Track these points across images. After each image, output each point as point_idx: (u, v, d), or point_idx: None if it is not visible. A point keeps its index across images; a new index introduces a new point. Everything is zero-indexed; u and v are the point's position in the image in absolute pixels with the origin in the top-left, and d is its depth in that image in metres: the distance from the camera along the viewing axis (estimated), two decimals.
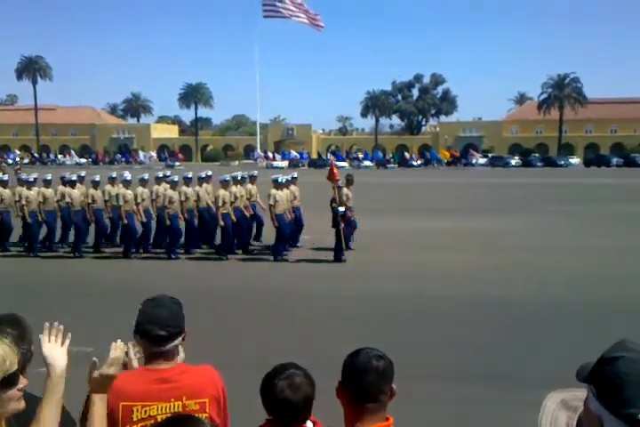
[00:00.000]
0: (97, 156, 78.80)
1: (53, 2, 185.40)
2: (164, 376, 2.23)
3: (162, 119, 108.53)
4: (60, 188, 13.62)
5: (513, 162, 67.62)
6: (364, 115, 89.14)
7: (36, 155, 79.38)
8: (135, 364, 2.37)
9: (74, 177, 13.69)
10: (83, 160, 76.50)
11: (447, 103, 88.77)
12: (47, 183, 13.80)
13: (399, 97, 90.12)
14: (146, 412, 2.19)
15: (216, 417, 2.30)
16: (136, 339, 2.26)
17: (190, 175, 13.52)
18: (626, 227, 17.17)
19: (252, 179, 14.11)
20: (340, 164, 66.13)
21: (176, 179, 13.32)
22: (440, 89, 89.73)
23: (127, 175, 13.52)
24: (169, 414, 2.16)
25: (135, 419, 2.18)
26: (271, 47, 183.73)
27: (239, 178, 13.52)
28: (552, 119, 75.52)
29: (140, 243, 13.47)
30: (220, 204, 12.50)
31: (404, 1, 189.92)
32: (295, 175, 14.36)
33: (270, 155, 73.96)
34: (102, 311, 8.31)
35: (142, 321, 2.23)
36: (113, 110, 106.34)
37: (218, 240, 13.42)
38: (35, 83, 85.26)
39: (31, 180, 13.64)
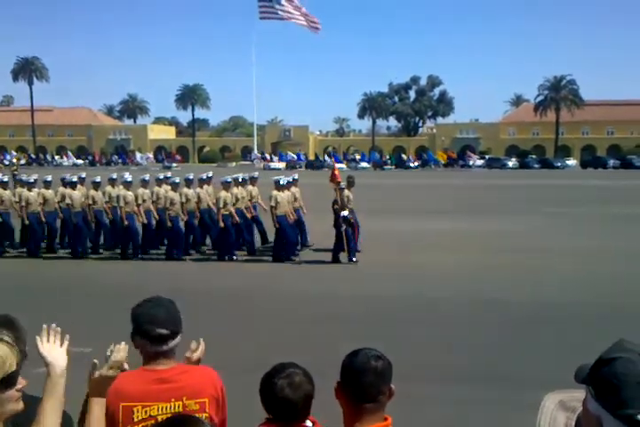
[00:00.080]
0: (94, 157, 78.70)
1: (49, 3, 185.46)
2: (164, 376, 2.22)
3: (159, 120, 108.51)
4: (61, 189, 13.57)
5: (510, 164, 67.77)
6: (360, 116, 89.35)
7: (32, 156, 79.21)
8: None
9: (74, 178, 13.63)
10: (80, 161, 76.38)
11: (444, 105, 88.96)
12: (47, 184, 13.76)
13: (396, 99, 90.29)
14: (146, 412, 2.18)
15: (215, 417, 2.31)
16: (136, 340, 2.25)
17: (191, 177, 13.50)
18: (623, 228, 17.21)
19: (253, 180, 14.08)
20: (337, 165, 66.16)
21: (177, 180, 13.28)
22: (437, 91, 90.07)
23: (128, 176, 13.48)
24: (169, 415, 2.16)
25: (136, 419, 2.17)
26: (268, 48, 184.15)
27: (240, 179, 13.51)
28: (549, 121, 75.75)
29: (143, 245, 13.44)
30: (222, 205, 12.48)
31: (400, 3, 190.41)
32: (296, 177, 14.35)
33: (267, 156, 73.93)
34: (102, 312, 8.30)
35: (141, 322, 2.23)
36: (110, 111, 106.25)
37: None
38: (31, 84, 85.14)
39: (31, 181, 13.60)
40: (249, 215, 13.36)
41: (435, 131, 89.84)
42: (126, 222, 12.81)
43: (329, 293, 9.81)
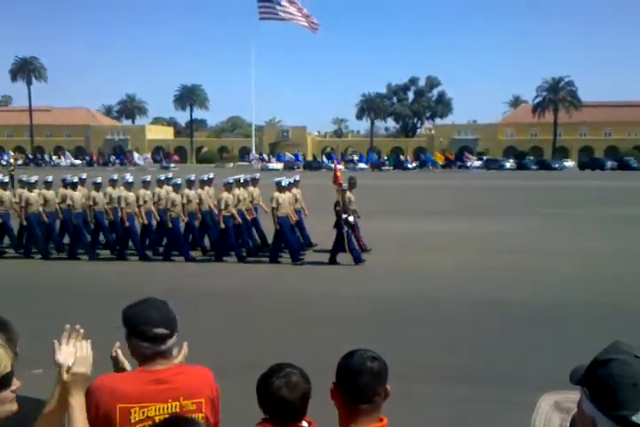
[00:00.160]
0: (91, 157, 78.67)
1: (47, 3, 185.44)
2: (161, 377, 2.21)
3: (157, 121, 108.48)
4: (62, 190, 13.52)
5: (508, 165, 67.93)
6: (359, 117, 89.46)
7: (30, 156, 79.14)
8: (127, 366, 2.36)
9: (75, 179, 13.55)
10: (77, 161, 76.32)
11: (442, 106, 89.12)
12: (48, 185, 13.71)
13: (394, 99, 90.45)
14: (144, 413, 2.17)
15: (211, 417, 2.32)
16: (132, 342, 2.24)
17: (193, 178, 13.46)
18: (622, 229, 17.26)
19: (255, 181, 14.05)
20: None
21: (179, 182, 13.23)
22: (435, 92, 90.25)
23: (129, 177, 13.41)
24: (167, 415, 2.15)
25: (133, 420, 2.16)
26: (267, 49, 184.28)
27: (242, 180, 13.49)
28: (547, 122, 75.92)
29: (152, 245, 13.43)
30: (223, 206, 12.46)
31: (400, 3, 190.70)
32: (297, 178, 14.31)
33: (265, 157, 73.97)
34: (101, 312, 8.27)
35: (137, 323, 2.23)
36: (108, 112, 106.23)
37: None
38: (29, 84, 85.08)
39: (32, 181, 13.55)
40: (249, 217, 13.34)
41: (433, 132, 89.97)
42: (127, 224, 12.78)
43: (329, 293, 9.82)
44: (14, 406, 1.85)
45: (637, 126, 79.05)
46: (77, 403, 2.01)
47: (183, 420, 1.89)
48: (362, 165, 69.04)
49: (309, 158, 76.51)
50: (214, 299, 9.39)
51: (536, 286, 10.11)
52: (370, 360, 2.00)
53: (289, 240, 12.53)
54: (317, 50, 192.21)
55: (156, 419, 2.13)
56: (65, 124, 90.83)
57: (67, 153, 79.95)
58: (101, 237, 14.12)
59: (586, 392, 1.27)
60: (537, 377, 5.33)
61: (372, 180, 40.75)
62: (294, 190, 13.59)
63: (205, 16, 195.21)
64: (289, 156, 73.57)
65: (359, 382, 1.97)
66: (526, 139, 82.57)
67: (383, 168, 68.71)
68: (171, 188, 13.27)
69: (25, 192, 13.23)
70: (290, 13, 50.15)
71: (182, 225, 13.14)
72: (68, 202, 13.06)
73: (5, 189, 13.71)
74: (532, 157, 72.54)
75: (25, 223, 13.22)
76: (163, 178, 14.03)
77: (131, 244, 13.25)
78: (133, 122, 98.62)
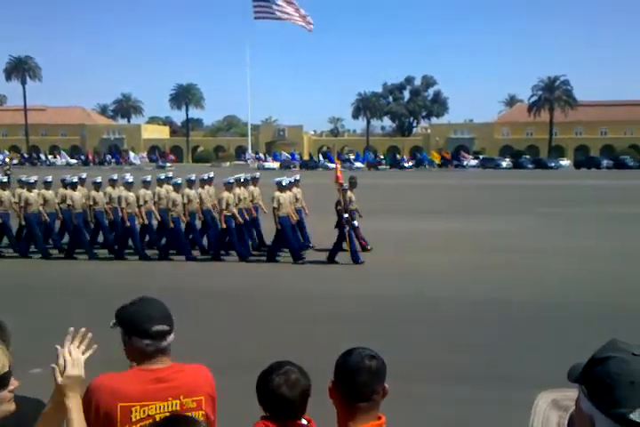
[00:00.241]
0: (87, 156, 78.44)
1: (43, 2, 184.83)
2: (161, 376, 2.23)
3: (152, 120, 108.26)
4: (61, 190, 13.47)
5: (504, 164, 68.03)
6: (355, 116, 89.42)
7: (25, 155, 78.91)
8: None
9: (75, 179, 13.51)
10: (73, 161, 76.10)
11: (438, 105, 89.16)
12: (48, 185, 13.66)
13: (390, 99, 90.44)
14: (144, 412, 2.18)
15: (211, 414, 2.34)
16: (132, 341, 2.23)
17: (193, 177, 13.42)
18: (618, 228, 17.31)
19: (255, 181, 14.04)
20: (332, 165, 66.30)
21: (179, 181, 13.21)
22: (431, 91, 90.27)
23: (129, 177, 13.35)
24: (167, 413, 2.16)
25: (134, 419, 2.16)
26: (263, 48, 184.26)
27: (242, 180, 13.48)
28: (542, 121, 76.06)
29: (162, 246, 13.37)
30: (224, 206, 12.44)
31: (395, 3, 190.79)
32: (298, 177, 14.30)
33: (262, 156, 73.92)
34: (101, 312, 8.26)
35: (139, 321, 2.23)
36: (103, 111, 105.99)
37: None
38: (24, 83, 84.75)
39: (32, 181, 13.50)
40: (247, 217, 13.32)
41: (429, 131, 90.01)
42: (128, 224, 12.75)
43: (329, 292, 9.84)
44: (12, 406, 1.85)
45: (633, 125, 79.27)
46: (74, 405, 2.01)
47: (182, 418, 1.89)
48: (358, 165, 69.02)
49: (306, 157, 76.50)
50: (215, 298, 9.40)
51: (535, 286, 10.13)
52: (368, 359, 2.00)
53: (290, 240, 12.53)
54: (313, 49, 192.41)
55: (157, 417, 2.14)
56: (60, 123, 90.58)
57: (62, 152, 79.80)
58: (100, 237, 14.09)
59: (584, 390, 1.27)
60: (537, 377, 5.32)
61: (368, 179, 40.72)
62: (295, 190, 13.58)
63: (201, 16, 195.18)
64: (285, 155, 73.51)
65: (358, 381, 1.97)
66: (522, 138, 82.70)
67: (379, 167, 68.75)
68: (171, 187, 13.24)
69: (24, 192, 13.19)
70: (287, 13, 50.11)
71: (183, 226, 13.12)
72: (68, 202, 13.03)
73: (5, 189, 13.67)
74: (528, 156, 72.69)
75: (24, 223, 13.17)
76: (162, 177, 13.99)
77: (130, 243, 13.23)
78: (129, 121, 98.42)
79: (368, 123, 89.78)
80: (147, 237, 13.86)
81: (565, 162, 70.39)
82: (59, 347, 2.03)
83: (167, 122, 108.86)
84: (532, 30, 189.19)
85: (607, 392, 1.21)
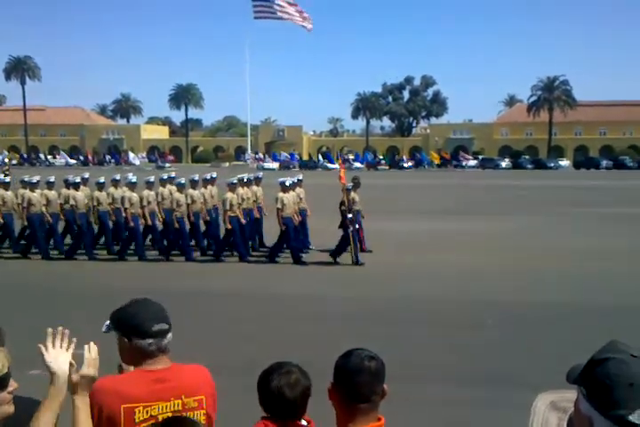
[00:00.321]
0: (86, 157, 78.34)
1: (43, 2, 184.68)
2: (162, 376, 2.24)
3: (152, 120, 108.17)
4: (64, 190, 13.42)
5: (503, 164, 68.05)
6: (354, 116, 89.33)
7: (24, 155, 78.81)
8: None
9: (78, 179, 13.47)
10: (72, 161, 76.00)
11: (437, 105, 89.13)
12: (50, 185, 13.60)
13: (390, 99, 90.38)
14: (147, 412, 2.19)
15: (212, 413, 2.35)
16: (132, 342, 2.24)
17: (197, 178, 13.38)
18: (619, 228, 17.33)
19: (258, 181, 14.03)
20: (331, 165, 66.28)
21: (183, 181, 13.17)
22: (430, 91, 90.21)
23: (132, 177, 13.26)
24: (170, 413, 2.18)
25: (137, 420, 2.17)
26: (262, 48, 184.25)
27: (245, 180, 13.45)
28: (542, 121, 76.03)
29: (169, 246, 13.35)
30: (228, 207, 12.41)
31: (395, 3, 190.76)
32: (300, 177, 14.25)
33: (261, 156, 73.87)
34: (100, 312, 8.26)
35: (139, 322, 2.23)
36: (102, 111, 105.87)
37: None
38: (23, 83, 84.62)
39: (34, 182, 13.44)
40: (247, 217, 13.31)
41: (428, 131, 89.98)
42: (132, 224, 12.72)
43: (329, 292, 9.85)
44: (11, 408, 1.85)
45: (632, 126, 79.30)
46: (82, 404, 2.02)
47: (182, 419, 1.90)
48: (357, 165, 69.00)
49: (305, 158, 76.47)
50: (215, 298, 9.39)
51: (536, 286, 10.14)
52: (367, 360, 2.00)
53: (293, 241, 12.54)
54: (313, 49, 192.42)
55: (160, 418, 2.15)
56: (59, 123, 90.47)
57: (62, 152, 79.71)
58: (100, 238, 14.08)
59: (583, 392, 1.27)
60: (537, 377, 5.33)
61: (368, 179, 40.72)
62: (297, 190, 13.55)
63: (201, 16, 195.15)
64: (284, 155, 73.48)
65: (357, 382, 1.97)
66: (521, 138, 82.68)
67: (379, 167, 68.72)
68: (174, 187, 13.21)
69: (27, 192, 13.14)
70: (287, 13, 50.07)
71: (187, 226, 13.09)
72: (72, 202, 12.99)
73: (7, 190, 13.64)
74: (527, 157, 72.70)
75: (26, 224, 13.15)
76: (165, 177, 13.95)
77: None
78: (128, 121, 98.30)
79: (367, 123, 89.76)
80: (148, 237, 13.83)
81: (565, 162, 70.40)
82: (41, 346, 2.04)
83: (166, 122, 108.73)
84: (531, 30, 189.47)
85: (606, 394, 1.21)
